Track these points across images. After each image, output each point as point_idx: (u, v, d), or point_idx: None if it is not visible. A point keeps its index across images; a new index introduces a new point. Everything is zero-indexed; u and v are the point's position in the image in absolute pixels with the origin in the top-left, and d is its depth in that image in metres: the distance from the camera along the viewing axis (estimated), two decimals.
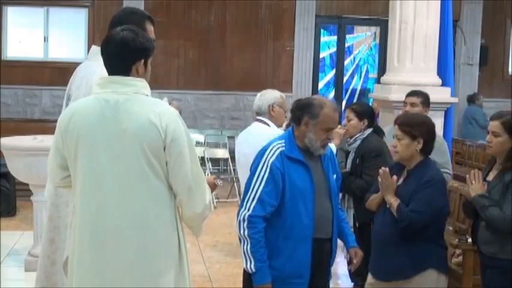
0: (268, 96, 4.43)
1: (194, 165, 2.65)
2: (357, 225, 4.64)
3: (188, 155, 2.62)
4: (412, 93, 4.91)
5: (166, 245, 2.62)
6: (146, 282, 2.58)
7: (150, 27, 3.20)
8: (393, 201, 3.56)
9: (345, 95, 11.49)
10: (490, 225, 3.59)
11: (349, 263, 3.71)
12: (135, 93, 2.61)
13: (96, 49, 3.50)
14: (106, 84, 2.64)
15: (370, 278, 3.77)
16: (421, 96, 4.86)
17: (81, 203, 2.60)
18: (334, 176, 3.45)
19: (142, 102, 2.60)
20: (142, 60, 2.65)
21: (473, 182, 3.67)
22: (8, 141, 5.61)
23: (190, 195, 2.65)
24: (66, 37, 10.83)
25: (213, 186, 3.00)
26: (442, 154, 4.66)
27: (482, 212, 3.58)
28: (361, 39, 11.55)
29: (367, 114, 4.67)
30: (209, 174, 3.98)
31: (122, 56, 2.61)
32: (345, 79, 11.47)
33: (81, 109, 2.64)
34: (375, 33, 11.48)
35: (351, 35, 11.50)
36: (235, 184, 8.87)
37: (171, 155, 2.58)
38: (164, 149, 2.57)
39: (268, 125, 4.38)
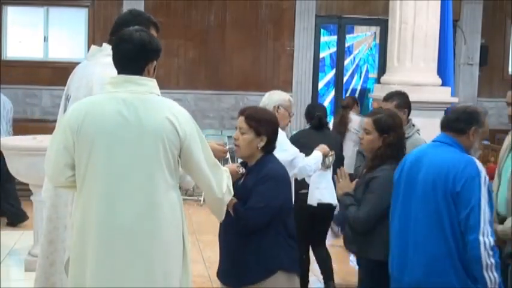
0: (276, 97, 4.45)
1: (208, 157, 2.73)
2: None
3: (201, 151, 2.68)
4: (385, 98, 4.57)
5: (174, 245, 2.65)
6: (158, 282, 2.60)
7: (153, 34, 3.21)
8: (229, 201, 3.21)
9: (345, 95, 11.47)
10: (349, 224, 3.60)
11: None
12: (149, 92, 2.63)
13: (94, 49, 3.50)
14: (119, 83, 2.64)
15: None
16: (396, 99, 4.47)
17: (98, 202, 2.59)
18: None
19: (157, 102, 2.64)
20: (155, 62, 2.70)
21: (341, 180, 3.64)
22: (8, 141, 5.62)
23: (210, 185, 2.75)
24: (66, 37, 10.82)
25: (235, 174, 3.14)
26: None
27: (344, 209, 3.60)
28: (361, 39, 11.54)
29: None
30: None
31: (139, 56, 2.64)
32: (345, 79, 11.46)
33: (96, 109, 2.63)
34: (375, 33, 11.47)
35: (351, 35, 11.49)
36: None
37: (188, 154, 2.64)
38: (181, 149, 2.62)
39: None
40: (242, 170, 3.31)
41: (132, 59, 2.64)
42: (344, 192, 3.59)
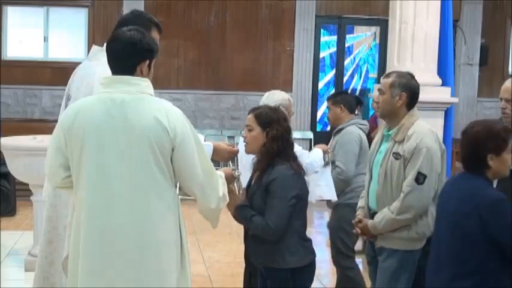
0: (276, 97, 4.44)
1: (204, 161, 2.68)
2: None
3: (197, 153, 2.64)
4: (328, 98, 5.03)
5: (169, 245, 2.63)
6: (151, 282, 2.59)
7: (156, 35, 3.21)
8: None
9: None
10: (256, 235, 3.36)
11: None
12: (140, 92, 2.62)
13: (96, 49, 3.50)
14: (110, 84, 2.64)
15: None
16: (332, 96, 4.98)
17: (88, 202, 2.59)
18: None
19: (148, 101, 2.62)
20: (147, 61, 2.67)
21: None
22: (8, 141, 5.62)
23: (203, 192, 2.69)
24: (66, 37, 10.82)
25: (230, 178, 3.10)
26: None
27: (247, 223, 3.38)
28: (361, 39, 11.54)
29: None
30: None
31: (128, 55, 2.62)
32: (345, 79, 11.46)
33: (86, 108, 2.63)
34: (375, 33, 11.47)
35: (351, 35, 11.49)
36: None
37: (182, 156, 2.60)
38: (173, 150, 2.58)
39: None
40: (237, 173, 3.28)
41: (121, 58, 2.62)
42: (239, 204, 3.37)
